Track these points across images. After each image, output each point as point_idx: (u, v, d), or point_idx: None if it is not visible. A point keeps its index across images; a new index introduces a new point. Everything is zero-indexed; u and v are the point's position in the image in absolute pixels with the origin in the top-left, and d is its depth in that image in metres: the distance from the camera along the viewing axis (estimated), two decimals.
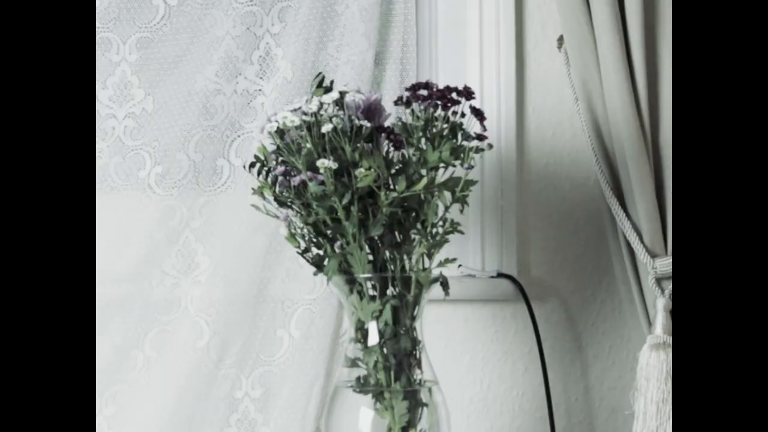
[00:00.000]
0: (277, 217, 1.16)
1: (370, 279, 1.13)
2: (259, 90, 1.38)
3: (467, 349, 1.40)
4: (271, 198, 1.15)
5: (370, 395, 1.13)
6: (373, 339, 1.12)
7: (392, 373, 1.13)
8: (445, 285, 1.16)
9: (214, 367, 1.34)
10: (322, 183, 1.09)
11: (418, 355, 1.15)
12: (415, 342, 1.14)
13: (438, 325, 1.38)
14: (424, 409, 1.14)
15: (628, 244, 1.32)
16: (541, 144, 1.42)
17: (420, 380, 1.14)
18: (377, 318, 1.13)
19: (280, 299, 1.36)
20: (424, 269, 1.14)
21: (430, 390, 1.14)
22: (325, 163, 1.08)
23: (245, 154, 1.36)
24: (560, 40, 1.39)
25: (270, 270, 1.36)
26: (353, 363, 1.14)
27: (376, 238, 1.14)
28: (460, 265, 1.40)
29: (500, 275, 1.39)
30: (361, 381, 1.14)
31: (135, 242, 1.35)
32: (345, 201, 1.10)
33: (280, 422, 1.35)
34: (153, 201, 1.36)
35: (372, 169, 1.09)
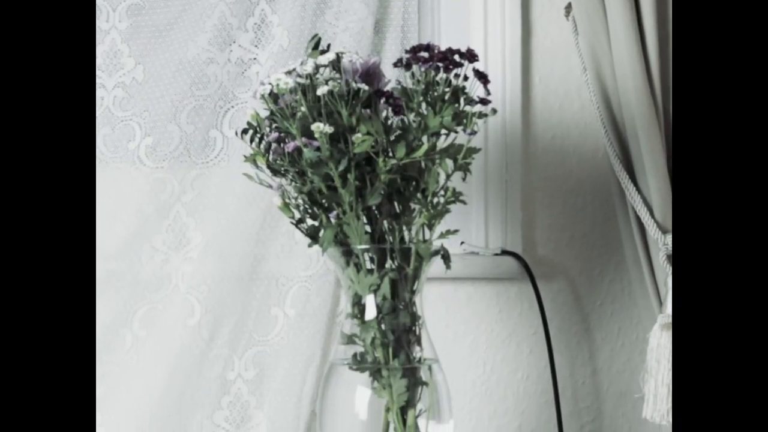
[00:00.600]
0: (270, 186, 1.10)
1: (367, 251, 1.07)
2: (254, 59, 1.32)
3: (469, 329, 1.35)
4: (265, 166, 1.10)
5: (367, 373, 1.07)
6: (371, 314, 1.07)
7: (390, 350, 1.07)
8: (446, 258, 1.10)
9: (205, 347, 1.29)
10: (318, 149, 1.04)
11: (417, 332, 1.09)
12: (414, 317, 1.08)
13: (439, 305, 1.33)
14: (424, 388, 1.08)
15: (639, 220, 1.27)
16: (548, 116, 1.36)
17: (420, 358, 1.08)
18: (375, 292, 1.07)
19: (275, 276, 1.31)
20: (425, 241, 1.09)
21: (430, 368, 1.08)
22: (321, 128, 1.02)
23: (239, 126, 1.29)
24: (568, 7, 1.33)
25: (264, 246, 1.31)
26: (350, 339, 1.09)
27: (373, 208, 1.08)
28: (462, 242, 1.34)
29: (504, 252, 1.33)
30: (358, 358, 1.08)
31: (123, 217, 1.29)
32: (341, 167, 1.04)
33: (274, 405, 1.30)
34: (143, 174, 1.30)
35: (370, 135, 1.03)
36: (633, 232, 1.29)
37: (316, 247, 1.29)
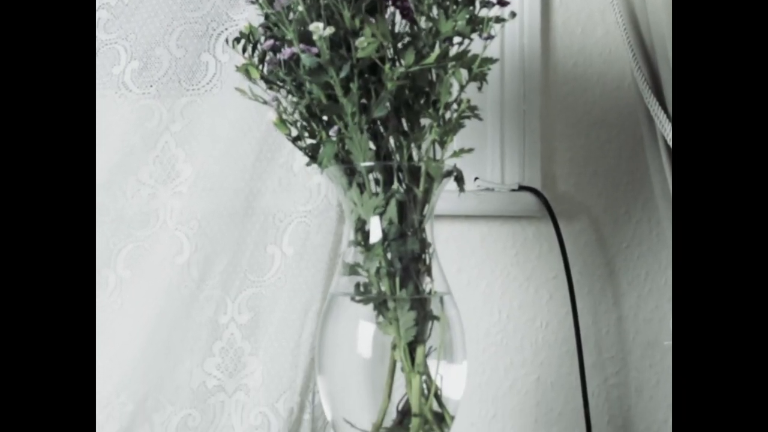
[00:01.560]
0: (265, 102, 0.99)
1: (372, 170, 0.96)
2: None
3: (484, 273, 1.24)
4: (258, 79, 0.99)
5: (371, 306, 0.96)
6: (376, 240, 0.96)
7: (397, 281, 0.96)
8: (459, 180, 0.99)
9: (195, 288, 1.18)
10: (317, 56, 0.93)
11: (427, 261, 0.98)
12: (424, 244, 0.97)
13: (450, 245, 1.22)
14: (435, 323, 0.97)
15: (669, 151, 1.15)
16: (569, 42, 1.25)
17: (430, 290, 0.97)
18: (380, 215, 0.96)
19: (272, 212, 1.20)
20: (435, 160, 0.98)
21: (441, 300, 0.97)
22: (320, 29, 0.91)
23: (233, 50, 1.19)
24: None
25: (260, 179, 1.20)
26: (352, 270, 0.98)
27: (379, 123, 0.97)
28: (476, 178, 1.23)
29: (522, 188, 1.22)
30: (361, 289, 0.97)
31: (107, 147, 1.19)
32: (343, 74, 0.94)
33: (270, 351, 1.19)
34: (128, 101, 1.20)
35: (375, 38, 0.92)
36: (663, 165, 1.17)
37: (317, 180, 1.19)
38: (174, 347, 1.18)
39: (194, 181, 1.19)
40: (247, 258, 1.20)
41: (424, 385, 0.96)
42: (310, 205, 1.19)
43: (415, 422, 0.95)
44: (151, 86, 1.20)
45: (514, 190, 1.22)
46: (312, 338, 1.18)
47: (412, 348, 0.96)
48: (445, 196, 1.17)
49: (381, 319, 0.96)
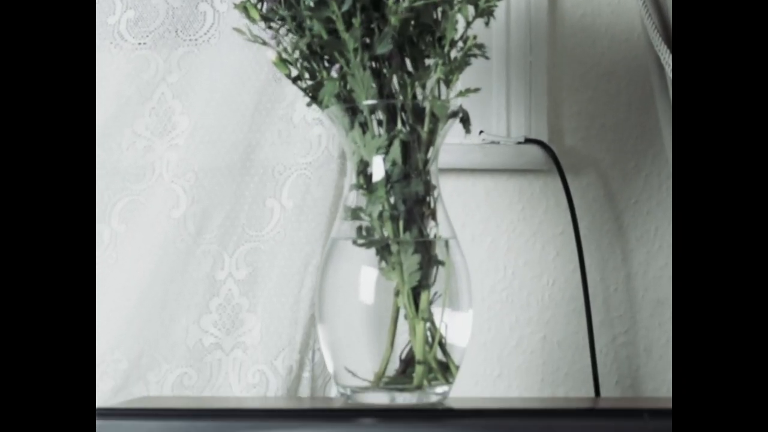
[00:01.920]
0: (264, 42, 0.96)
1: (375, 108, 0.93)
2: None
3: (488, 229, 1.21)
4: (258, 19, 0.96)
5: (373, 252, 0.93)
6: (379, 182, 0.92)
7: (401, 224, 0.93)
8: (465, 121, 0.96)
9: (192, 242, 1.15)
10: None
11: (432, 204, 0.95)
12: (428, 186, 0.94)
13: (455, 201, 1.19)
14: (440, 268, 0.94)
15: None
16: None
17: (435, 234, 0.94)
18: (384, 156, 0.93)
19: (271, 164, 1.17)
20: (440, 99, 0.94)
21: (447, 244, 0.94)
22: None
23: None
24: None
25: (259, 132, 1.17)
26: (354, 214, 0.94)
27: (382, 61, 0.94)
28: (481, 132, 1.20)
29: (528, 141, 1.19)
30: (364, 233, 0.94)
31: (102, 99, 1.16)
32: (345, 7, 0.90)
33: (268, 308, 1.16)
34: (123, 51, 1.17)
35: None
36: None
37: (318, 131, 1.16)
38: (169, 304, 1.15)
39: (191, 134, 1.16)
40: (245, 212, 1.16)
41: (428, 333, 0.93)
42: (310, 157, 1.16)
43: (418, 370, 0.92)
44: (147, 36, 1.16)
45: (520, 143, 1.19)
46: (312, 293, 1.15)
47: (416, 294, 0.93)
48: (450, 149, 1.15)
49: (384, 264, 0.93)
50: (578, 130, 1.22)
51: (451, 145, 1.15)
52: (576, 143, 1.22)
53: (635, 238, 1.23)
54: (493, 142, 1.19)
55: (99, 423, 0.84)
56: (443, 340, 0.93)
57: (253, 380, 1.15)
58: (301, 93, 0.97)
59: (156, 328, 1.15)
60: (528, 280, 1.21)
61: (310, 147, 1.16)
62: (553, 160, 1.18)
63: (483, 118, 1.19)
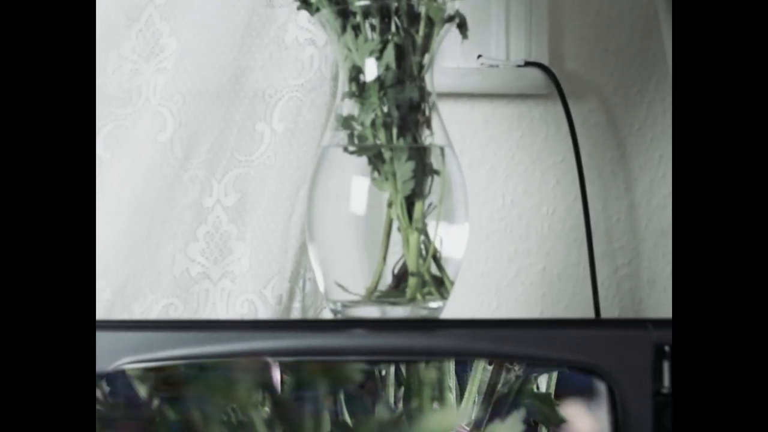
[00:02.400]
0: None
1: (368, 11, 0.89)
2: None
3: (487, 156, 1.17)
4: None
5: (366, 161, 0.89)
6: (372, 86, 0.88)
7: (394, 131, 0.89)
8: (462, 26, 0.92)
9: (179, 167, 1.11)
10: None
11: (427, 112, 0.91)
12: (423, 93, 0.90)
13: (452, 127, 1.13)
14: (435, 178, 0.90)
15: None
16: None
17: (430, 143, 0.90)
18: (377, 60, 0.89)
19: (261, 87, 1.12)
20: (436, 2, 0.90)
21: (442, 152, 0.90)
22: None
23: None
24: None
25: (249, 55, 1.12)
26: (346, 123, 0.90)
27: None
28: (479, 56, 1.16)
29: (528, 64, 1.15)
30: (356, 140, 0.90)
31: None
32: None
33: (258, 235, 1.12)
34: None
35: None
36: None
37: (310, 52, 1.13)
38: (155, 231, 1.11)
39: (179, 57, 1.12)
40: (234, 136, 1.12)
41: (422, 246, 0.89)
42: (302, 79, 1.12)
43: (411, 282, 0.88)
44: None
45: (519, 66, 1.15)
46: (303, 220, 1.11)
47: (409, 204, 0.89)
48: (447, 73, 1.11)
49: (376, 175, 0.89)
50: (580, 54, 1.19)
51: (449, 68, 1.11)
52: (578, 68, 1.18)
53: (638, 167, 1.19)
54: (491, 66, 1.16)
55: (99, 334, 0.80)
56: (438, 254, 0.89)
57: (241, 310, 1.11)
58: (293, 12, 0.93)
59: (141, 256, 1.11)
60: (527, 210, 1.17)
61: (302, 68, 1.12)
62: (554, 83, 1.14)
63: (481, 41, 1.15)
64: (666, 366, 0.81)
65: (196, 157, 1.11)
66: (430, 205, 0.89)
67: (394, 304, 0.88)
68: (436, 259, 0.89)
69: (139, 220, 1.10)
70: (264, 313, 1.10)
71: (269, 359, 0.76)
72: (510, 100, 1.17)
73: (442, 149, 0.90)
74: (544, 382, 0.80)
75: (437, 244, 0.89)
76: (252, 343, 0.80)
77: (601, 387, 0.79)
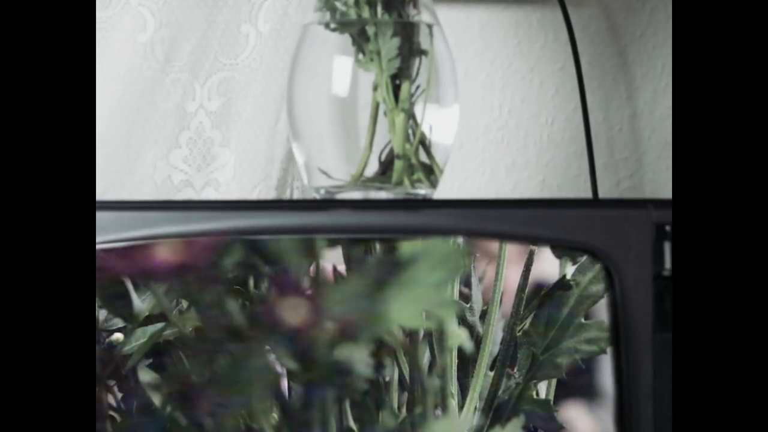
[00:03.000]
0: None
1: None
2: None
3: (483, 64, 1.12)
4: None
5: (349, 40, 0.84)
6: None
7: (379, 8, 0.84)
8: None
9: (160, 71, 1.06)
10: None
11: None
12: None
13: (447, 34, 1.09)
14: (423, 60, 0.85)
15: None
16: None
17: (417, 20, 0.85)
18: None
19: None
20: None
21: (430, 30, 0.85)
22: None
23: None
24: None
25: None
26: (326, 3, 0.85)
27: None
28: None
29: None
30: (338, 17, 0.85)
31: None
32: None
33: (242, 141, 1.07)
34: None
35: None
36: None
37: None
38: (135, 137, 1.06)
39: None
40: (217, 38, 1.07)
41: (410, 130, 0.84)
42: None
43: (398, 165, 0.83)
44: None
45: None
46: (289, 126, 1.06)
47: (396, 86, 0.84)
48: None
49: (361, 56, 0.84)
50: None
51: None
52: None
53: (641, 75, 1.14)
54: None
55: (99, 215, 0.76)
56: (426, 139, 0.84)
57: None
58: None
59: (121, 163, 1.06)
60: (525, 120, 1.12)
61: None
62: None
63: None
64: (667, 247, 0.76)
65: (178, 59, 1.06)
66: (417, 87, 0.84)
67: (380, 189, 0.83)
68: (425, 145, 0.84)
69: (118, 125, 1.06)
70: None
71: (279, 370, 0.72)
72: (507, 5, 1.12)
73: (430, 27, 0.85)
74: (543, 389, 0.77)
75: (425, 130, 0.84)
76: (234, 222, 0.76)
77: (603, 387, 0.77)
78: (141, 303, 0.75)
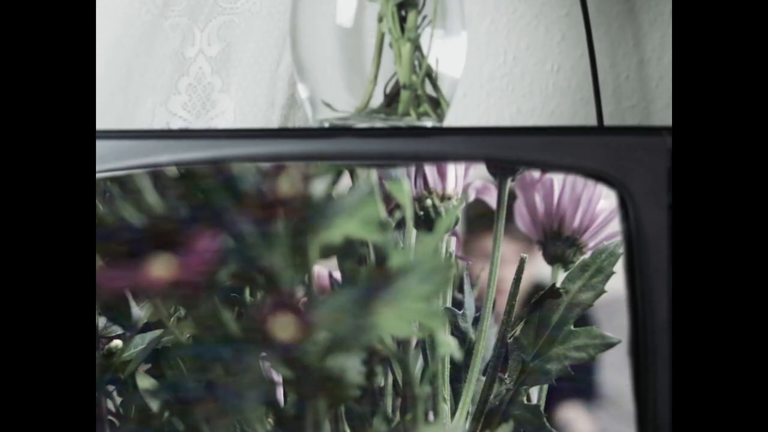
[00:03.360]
0: None
1: None
2: None
3: (487, 10, 1.09)
4: None
5: None
6: None
7: None
8: None
9: (158, 15, 1.04)
10: None
11: None
12: None
13: None
14: None
15: None
16: None
17: None
18: None
19: None
20: None
21: None
22: None
23: None
24: None
25: None
26: None
27: None
28: None
29: None
30: None
31: None
32: None
33: (243, 86, 1.05)
34: None
35: None
36: None
37: None
38: (133, 84, 1.04)
39: None
40: None
41: (416, 62, 0.82)
42: None
43: (404, 95, 0.81)
44: None
45: None
46: (291, 72, 1.04)
47: (401, 16, 0.82)
48: None
49: None
50: None
51: None
52: None
53: (648, 22, 1.12)
54: None
55: (99, 144, 0.74)
56: (433, 72, 0.82)
57: None
58: None
59: (118, 110, 1.04)
60: (531, 66, 1.10)
61: None
62: None
63: None
64: None
65: (176, 3, 1.04)
66: (424, 18, 0.82)
67: (385, 120, 0.81)
68: (431, 77, 0.82)
69: (115, 71, 1.04)
70: None
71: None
72: None
73: None
74: (535, 394, 0.78)
75: (432, 61, 0.82)
76: (236, 149, 0.74)
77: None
78: (139, 310, 0.75)
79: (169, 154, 0.74)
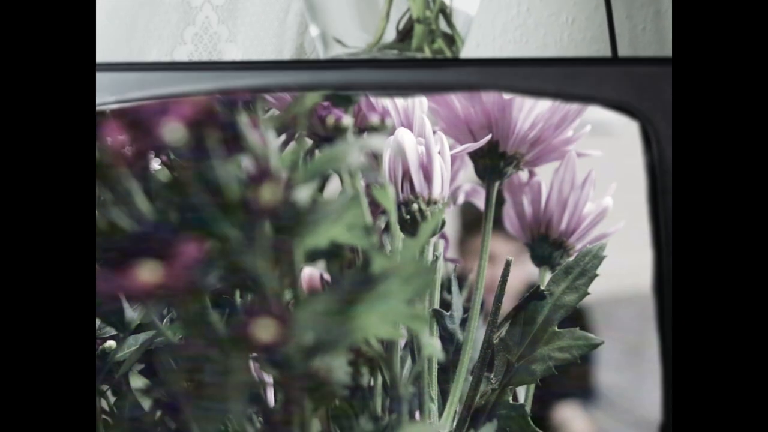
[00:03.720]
0: None
1: None
2: None
3: None
4: None
5: None
6: None
7: None
8: None
9: None
10: None
11: None
12: None
13: None
14: None
15: None
16: None
17: None
18: None
19: None
20: None
21: None
22: None
23: None
24: None
25: None
26: None
27: None
28: None
29: None
30: None
31: None
32: None
33: (250, 35, 1.02)
34: None
35: None
36: None
37: None
38: (138, 33, 1.02)
39: None
40: None
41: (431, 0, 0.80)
42: None
43: (418, 29, 0.78)
44: None
45: None
46: (299, 20, 1.01)
47: None
48: None
49: None
50: None
51: None
52: None
53: None
54: None
55: (99, 76, 0.71)
56: (446, 8, 0.80)
57: None
58: None
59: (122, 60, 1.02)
60: (545, 18, 1.07)
61: None
62: None
63: None
64: None
65: None
66: None
67: (398, 56, 0.79)
68: (445, 13, 0.80)
69: (119, 21, 1.01)
70: None
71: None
72: None
73: None
74: (522, 394, 0.78)
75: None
76: (248, 80, 0.72)
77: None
78: (132, 312, 0.75)
79: (174, 86, 0.71)
